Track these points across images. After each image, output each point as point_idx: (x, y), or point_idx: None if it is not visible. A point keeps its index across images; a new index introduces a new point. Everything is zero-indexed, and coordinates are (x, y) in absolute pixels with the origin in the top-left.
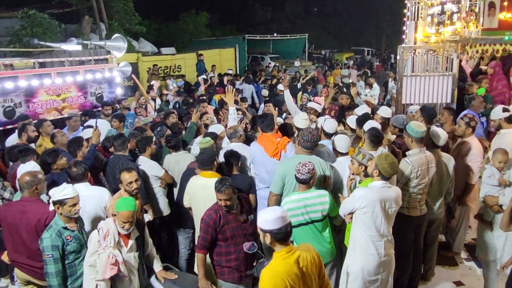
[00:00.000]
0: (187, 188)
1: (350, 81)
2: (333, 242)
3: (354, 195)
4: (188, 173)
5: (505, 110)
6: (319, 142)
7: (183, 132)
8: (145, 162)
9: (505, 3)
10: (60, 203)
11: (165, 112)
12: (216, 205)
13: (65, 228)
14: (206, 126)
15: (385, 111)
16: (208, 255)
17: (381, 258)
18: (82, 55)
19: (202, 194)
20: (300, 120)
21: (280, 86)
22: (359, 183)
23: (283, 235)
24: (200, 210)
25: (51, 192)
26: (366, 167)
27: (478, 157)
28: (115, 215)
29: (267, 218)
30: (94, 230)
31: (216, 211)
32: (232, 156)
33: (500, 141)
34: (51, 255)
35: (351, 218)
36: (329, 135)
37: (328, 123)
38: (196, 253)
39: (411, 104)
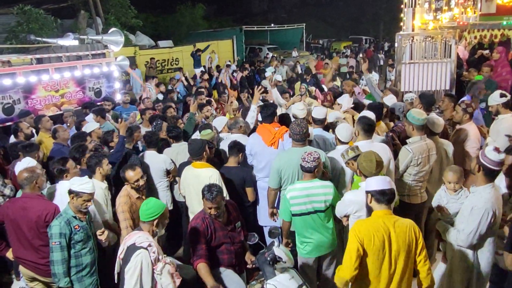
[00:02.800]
0: (181, 178)
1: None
2: (335, 233)
3: (344, 200)
4: (185, 165)
5: (502, 95)
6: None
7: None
8: (154, 157)
9: None
10: (76, 194)
11: (164, 106)
12: (202, 213)
13: (75, 217)
14: (207, 118)
15: (389, 99)
16: None
17: None
18: (80, 50)
19: (193, 183)
20: (297, 110)
21: (278, 77)
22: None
23: (382, 196)
24: (191, 200)
25: (72, 180)
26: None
27: (474, 143)
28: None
29: (371, 181)
30: (134, 258)
31: (203, 220)
32: (233, 147)
33: (498, 127)
34: (58, 242)
35: (347, 220)
36: (318, 122)
37: (317, 110)
38: (197, 267)
39: (410, 92)
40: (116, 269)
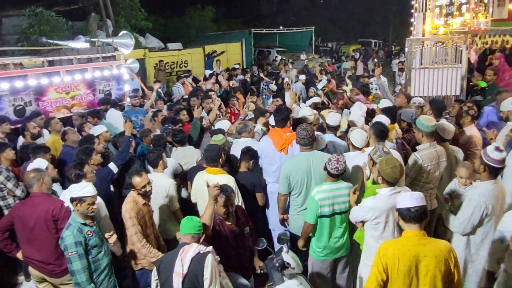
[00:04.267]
0: (193, 184)
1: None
2: (349, 238)
3: (363, 206)
4: (197, 169)
5: None
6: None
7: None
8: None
9: None
10: (79, 200)
11: (176, 109)
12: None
13: (84, 224)
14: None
15: (386, 104)
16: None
17: None
18: (90, 53)
19: (205, 190)
20: (305, 114)
21: (286, 79)
22: (367, 179)
23: (410, 214)
24: (205, 206)
25: (70, 187)
26: (373, 162)
27: (476, 145)
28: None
29: (400, 198)
30: (208, 264)
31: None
32: (246, 153)
33: (504, 133)
34: (75, 252)
35: (363, 225)
36: (333, 128)
37: (331, 116)
38: None
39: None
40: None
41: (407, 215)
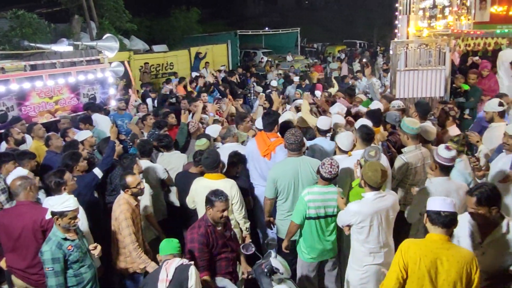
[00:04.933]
0: (191, 190)
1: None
2: (336, 240)
3: (348, 210)
4: (183, 174)
5: (500, 104)
6: (315, 141)
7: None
8: (147, 165)
9: None
10: (60, 214)
11: (164, 112)
12: (203, 222)
13: (65, 239)
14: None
15: (375, 105)
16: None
17: (381, 269)
18: (74, 56)
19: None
20: (288, 117)
21: (274, 83)
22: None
23: (437, 217)
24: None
25: (50, 201)
26: (359, 164)
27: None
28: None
29: (432, 201)
30: (192, 274)
31: (206, 228)
32: (233, 157)
33: (492, 134)
34: (51, 268)
35: (349, 229)
36: (323, 132)
37: (321, 120)
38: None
39: (404, 99)
40: None
41: (436, 218)
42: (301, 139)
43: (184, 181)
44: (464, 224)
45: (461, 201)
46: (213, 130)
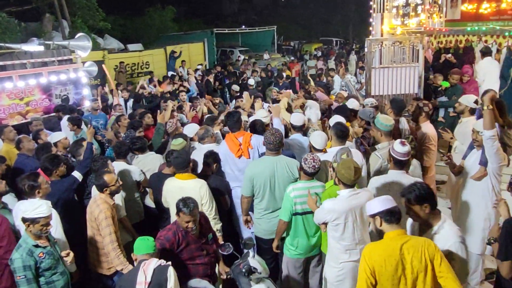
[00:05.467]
0: (163, 190)
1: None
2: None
3: (323, 208)
4: (157, 175)
5: (476, 102)
6: (292, 136)
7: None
8: (124, 168)
9: None
10: (32, 221)
11: (141, 112)
12: (174, 226)
13: (36, 246)
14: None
15: (351, 103)
16: None
17: (358, 265)
18: (45, 56)
19: (178, 196)
20: (262, 117)
21: (251, 81)
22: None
23: (391, 215)
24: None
25: (22, 207)
26: (331, 166)
27: (430, 140)
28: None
29: (373, 203)
30: (170, 275)
31: (175, 233)
32: (209, 157)
33: (464, 130)
34: (23, 276)
35: (326, 227)
36: (297, 128)
37: (295, 117)
38: None
39: (381, 96)
40: None
41: (391, 218)
42: (280, 140)
43: (157, 182)
44: (407, 227)
45: None
46: (190, 129)
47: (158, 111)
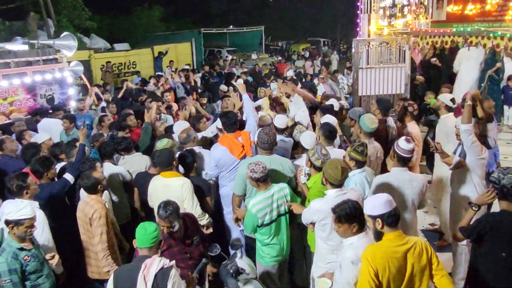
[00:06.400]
0: (149, 188)
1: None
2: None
3: (310, 208)
4: (142, 175)
5: (452, 100)
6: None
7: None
8: (110, 169)
9: None
10: (15, 223)
11: (124, 113)
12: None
13: (21, 249)
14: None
15: (330, 103)
16: None
17: None
18: (29, 56)
19: (163, 194)
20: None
21: (240, 81)
22: (307, 179)
23: (392, 218)
24: None
25: (5, 209)
26: (313, 164)
27: (415, 141)
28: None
29: (375, 204)
30: (172, 280)
31: None
32: (187, 157)
33: (443, 127)
34: (9, 280)
35: (313, 227)
36: (280, 130)
37: (278, 119)
38: None
39: (368, 96)
40: None
41: (392, 220)
42: (274, 139)
43: (142, 181)
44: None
45: (412, 192)
46: (180, 127)
47: (145, 110)
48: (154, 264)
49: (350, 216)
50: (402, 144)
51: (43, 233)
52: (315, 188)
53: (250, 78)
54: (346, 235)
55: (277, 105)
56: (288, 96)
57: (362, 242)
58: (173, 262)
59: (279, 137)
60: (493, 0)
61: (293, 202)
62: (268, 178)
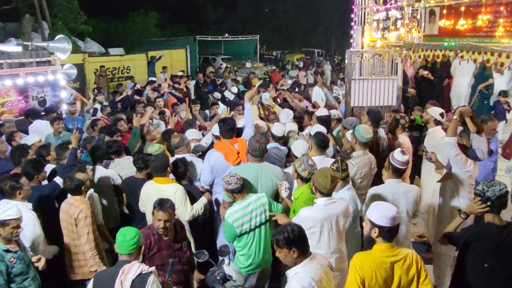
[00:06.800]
0: (141, 193)
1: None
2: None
3: (300, 216)
4: (129, 179)
5: (441, 115)
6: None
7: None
8: (101, 172)
9: (444, 11)
10: (1, 224)
11: (115, 118)
12: (148, 230)
13: (7, 250)
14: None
15: (320, 112)
16: None
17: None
18: (23, 57)
19: (155, 199)
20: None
21: (234, 89)
22: (295, 190)
23: (390, 234)
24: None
25: None
26: (300, 176)
27: (406, 152)
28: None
29: (382, 214)
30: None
31: (147, 237)
32: (182, 166)
33: (431, 140)
34: None
35: None
36: (277, 138)
37: (276, 127)
38: None
39: (359, 107)
40: None
41: (389, 236)
42: (265, 146)
43: (130, 186)
44: None
45: (407, 203)
46: (191, 134)
47: (134, 114)
48: (132, 269)
49: (288, 240)
50: (397, 156)
51: (34, 234)
52: (301, 199)
53: (241, 87)
54: (287, 260)
55: (270, 114)
56: (280, 105)
57: (307, 270)
58: (153, 268)
59: (274, 145)
60: (484, 16)
61: (272, 211)
62: (244, 188)
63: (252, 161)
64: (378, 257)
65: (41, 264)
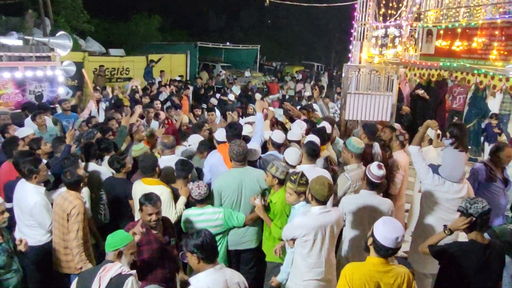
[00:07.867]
0: (132, 193)
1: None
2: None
3: (293, 224)
4: (109, 179)
5: (439, 136)
6: (269, 152)
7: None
8: (95, 168)
9: (441, 32)
10: None
11: (107, 117)
12: (137, 223)
13: None
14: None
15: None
16: None
17: (320, 283)
18: (23, 51)
19: None
20: (245, 132)
21: (231, 96)
22: (271, 195)
23: (385, 253)
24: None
25: None
26: (279, 180)
27: (398, 169)
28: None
29: (386, 236)
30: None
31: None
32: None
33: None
34: None
35: (294, 243)
36: (276, 145)
37: (276, 134)
38: None
39: (355, 121)
40: None
41: (384, 254)
42: (246, 151)
43: (109, 185)
44: None
45: (381, 215)
46: (195, 139)
47: (123, 114)
48: (112, 269)
49: (198, 246)
50: (373, 170)
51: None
52: (279, 202)
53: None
54: (193, 265)
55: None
56: (292, 121)
57: (208, 280)
58: (134, 271)
59: (272, 152)
60: (479, 39)
61: (234, 223)
62: (205, 200)
63: (235, 166)
64: (369, 270)
65: (22, 246)
